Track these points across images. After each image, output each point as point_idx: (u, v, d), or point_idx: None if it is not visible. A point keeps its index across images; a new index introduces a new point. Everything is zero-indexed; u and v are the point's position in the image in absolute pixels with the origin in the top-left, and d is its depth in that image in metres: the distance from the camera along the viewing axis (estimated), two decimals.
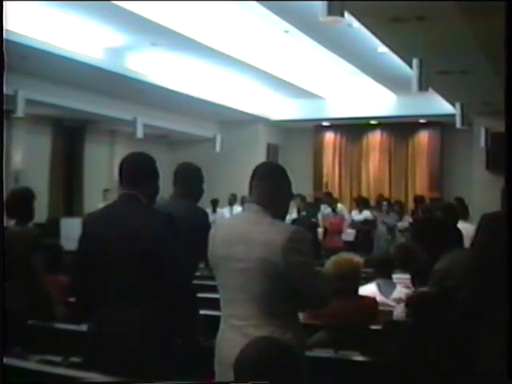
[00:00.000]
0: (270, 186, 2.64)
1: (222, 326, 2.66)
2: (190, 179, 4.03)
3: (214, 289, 5.56)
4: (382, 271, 4.67)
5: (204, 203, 14.44)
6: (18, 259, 4.05)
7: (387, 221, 11.36)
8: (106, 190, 11.78)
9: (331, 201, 11.90)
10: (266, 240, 2.51)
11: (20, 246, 4.10)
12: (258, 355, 1.87)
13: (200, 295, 3.88)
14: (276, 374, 1.83)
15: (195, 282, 3.80)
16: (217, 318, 3.89)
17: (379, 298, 4.30)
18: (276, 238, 2.50)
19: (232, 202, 12.65)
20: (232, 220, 3.00)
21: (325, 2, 5.99)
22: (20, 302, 3.90)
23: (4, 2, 2.80)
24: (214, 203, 12.40)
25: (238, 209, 12.45)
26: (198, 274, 6.56)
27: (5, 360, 2.49)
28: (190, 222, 3.46)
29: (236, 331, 2.49)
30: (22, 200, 4.25)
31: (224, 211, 12.30)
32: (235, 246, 2.56)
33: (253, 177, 2.70)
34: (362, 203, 12.17)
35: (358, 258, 4.03)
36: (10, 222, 4.34)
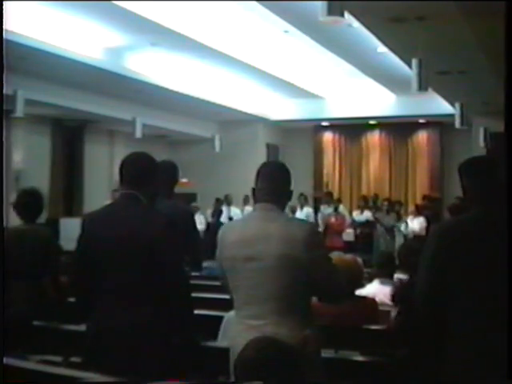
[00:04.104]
0: (280, 185, 2.73)
1: (237, 327, 2.66)
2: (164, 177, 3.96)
3: (211, 289, 5.55)
4: (382, 270, 4.68)
5: (205, 203, 14.40)
6: (29, 258, 4.06)
7: (386, 221, 11.39)
8: (114, 191, 11.74)
9: (332, 201, 11.93)
10: (286, 236, 2.57)
11: (32, 245, 4.12)
12: (257, 355, 1.87)
13: (200, 295, 3.89)
14: (276, 373, 1.83)
15: (195, 282, 3.81)
16: (217, 318, 3.90)
17: (379, 298, 4.29)
18: (297, 233, 2.57)
19: (229, 202, 12.69)
20: (243, 221, 3.01)
21: (325, 2, 5.99)
22: (24, 302, 3.91)
23: (4, 2, 2.79)
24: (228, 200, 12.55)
25: (234, 210, 12.51)
26: (197, 273, 6.55)
27: (5, 360, 2.49)
28: (180, 222, 3.44)
29: (255, 331, 2.45)
30: (31, 199, 4.29)
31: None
32: (254, 245, 2.59)
33: (258, 176, 2.74)
34: (366, 203, 12.23)
35: (349, 257, 4.04)
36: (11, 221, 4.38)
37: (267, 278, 2.56)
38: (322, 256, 2.66)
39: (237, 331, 2.64)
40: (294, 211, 12.26)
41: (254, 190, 2.75)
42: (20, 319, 3.45)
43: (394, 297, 3.75)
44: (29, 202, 4.25)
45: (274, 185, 2.71)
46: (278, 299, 2.55)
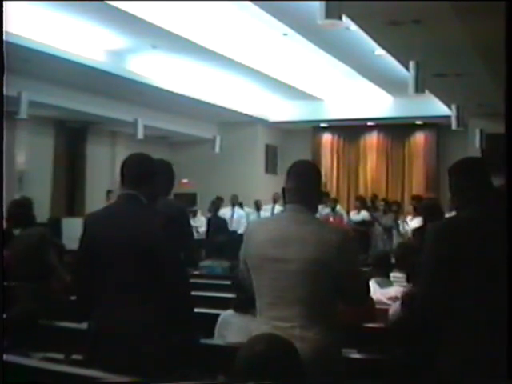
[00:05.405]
0: (310, 186, 2.65)
1: (261, 327, 2.53)
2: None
3: (211, 288, 5.62)
4: (379, 269, 4.69)
5: (205, 203, 14.31)
6: (26, 259, 4.17)
7: (384, 221, 11.45)
8: (109, 192, 11.82)
9: (330, 201, 11.99)
10: (319, 241, 2.50)
11: (28, 246, 4.23)
12: (257, 353, 1.85)
13: (200, 294, 3.95)
14: (276, 371, 1.82)
15: (195, 280, 3.88)
16: (217, 317, 3.97)
17: (376, 296, 4.35)
18: (330, 238, 2.51)
19: (234, 202, 12.69)
20: (273, 221, 2.94)
21: (323, 6, 6.05)
22: (29, 300, 4.00)
23: (6, 4, 2.83)
24: (257, 204, 12.59)
25: (238, 210, 12.54)
26: (197, 272, 6.63)
27: (7, 358, 2.54)
28: (175, 219, 3.46)
29: (281, 333, 2.25)
30: (23, 209, 4.42)
31: (224, 211, 12.31)
32: (284, 247, 2.52)
33: (288, 176, 2.66)
34: (362, 203, 12.28)
35: None
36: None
37: (296, 282, 2.49)
38: (353, 262, 2.63)
39: (262, 331, 2.39)
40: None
41: (283, 189, 2.67)
42: (25, 318, 3.52)
43: (402, 303, 3.79)
44: (19, 213, 4.38)
45: (304, 185, 2.62)
46: (306, 303, 2.50)
